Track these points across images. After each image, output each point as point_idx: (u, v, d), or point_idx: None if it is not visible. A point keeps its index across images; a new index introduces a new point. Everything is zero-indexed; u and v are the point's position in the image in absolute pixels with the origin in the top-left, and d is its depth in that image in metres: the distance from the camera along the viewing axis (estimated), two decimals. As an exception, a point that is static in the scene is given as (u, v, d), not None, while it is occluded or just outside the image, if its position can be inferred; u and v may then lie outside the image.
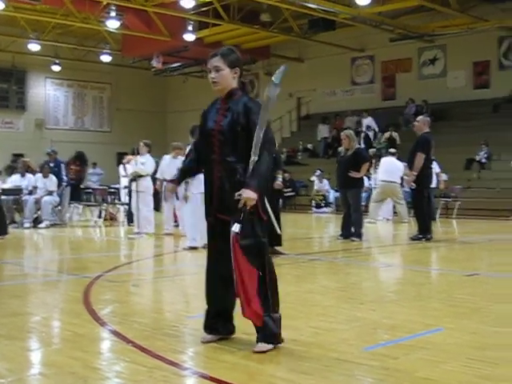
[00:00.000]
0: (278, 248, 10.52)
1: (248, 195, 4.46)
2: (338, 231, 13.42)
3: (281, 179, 10.93)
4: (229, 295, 4.78)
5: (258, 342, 4.65)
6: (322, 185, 25.39)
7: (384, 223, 19.04)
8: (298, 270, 9.29)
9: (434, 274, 9.14)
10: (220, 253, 4.74)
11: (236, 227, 4.48)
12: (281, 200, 22.55)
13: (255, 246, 4.62)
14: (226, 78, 4.78)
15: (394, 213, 19.54)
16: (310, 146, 30.80)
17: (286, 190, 25.05)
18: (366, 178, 21.11)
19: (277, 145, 24.30)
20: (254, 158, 4.49)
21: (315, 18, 26.97)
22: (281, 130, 33.52)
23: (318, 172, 25.60)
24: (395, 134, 26.38)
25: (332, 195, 24.68)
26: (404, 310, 6.28)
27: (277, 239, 10.49)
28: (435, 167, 18.00)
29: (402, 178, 17.28)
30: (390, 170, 17.96)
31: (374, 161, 19.67)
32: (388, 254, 12.11)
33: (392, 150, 19.34)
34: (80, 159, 19.87)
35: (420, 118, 13.47)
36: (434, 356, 4.50)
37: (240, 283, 4.54)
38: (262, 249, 4.69)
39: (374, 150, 24.01)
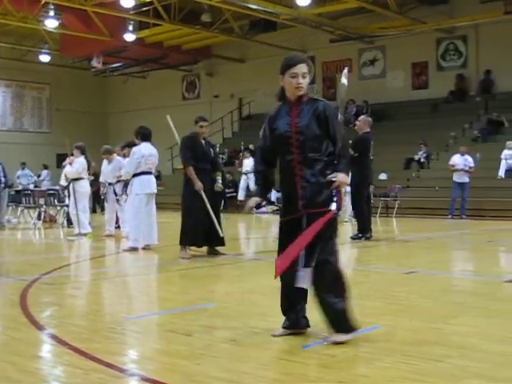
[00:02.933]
0: (218, 248, 10.53)
1: (342, 179, 4.88)
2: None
3: (221, 181, 10.93)
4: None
5: (332, 333, 4.85)
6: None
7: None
8: (239, 270, 9.32)
9: (373, 272, 9.23)
10: None
11: (333, 206, 4.86)
12: (222, 201, 22.64)
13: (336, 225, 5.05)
14: (307, 84, 5.05)
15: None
16: (251, 146, 30.81)
17: (227, 191, 25.07)
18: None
19: (218, 146, 24.18)
20: (338, 150, 4.93)
21: (256, 18, 27.10)
22: (222, 130, 33.52)
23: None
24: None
25: (274, 195, 24.74)
26: (343, 308, 6.34)
27: (219, 240, 10.50)
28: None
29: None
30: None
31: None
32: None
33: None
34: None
35: (361, 117, 13.63)
36: (370, 353, 4.56)
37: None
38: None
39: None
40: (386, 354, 4.53)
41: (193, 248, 10.56)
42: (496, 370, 4.12)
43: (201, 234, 10.35)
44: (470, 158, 21.04)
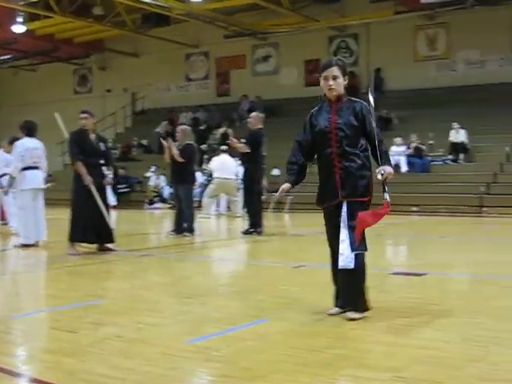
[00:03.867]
0: (108, 245, 10.39)
1: (390, 170, 5.32)
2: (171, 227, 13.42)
3: (112, 175, 10.79)
4: None
5: (347, 311, 5.44)
6: (158, 181, 25.29)
7: (218, 218, 19.22)
8: (129, 267, 9.21)
9: (263, 266, 9.31)
10: (336, 232, 5.47)
11: (386, 196, 5.33)
12: (115, 196, 22.38)
13: None
14: (341, 85, 5.53)
15: (228, 207, 19.80)
16: (144, 141, 30.59)
17: (120, 186, 24.80)
18: (200, 174, 21.30)
19: (111, 140, 23.83)
20: (377, 146, 5.37)
21: (148, 12, 26.88)
22: (115, 125, 33.13)
23: (154, 168, 25.49)
24: (229, 130, 26.67)
25: (167, 191, 24.65)
26: (232, 302, 6.38)
27: (110, 236, 10.36)
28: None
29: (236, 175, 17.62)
30: (223, 167, 18.17)
31: (206, 156, 19.81)
32: (220, 248, 12.24)
33: (224, 148, 19.54)
34: None
35: (254, 114, 13.71)
36: (256, 346, 4.60)
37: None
38: None
39: (206, 145, 24.26)
40: (271, 346, 4.58)
41: (83, 244, 10.38)
42: (378, 360, 4.22)
43: (91, 230, 10.18)
44: (360, 154, 21.44)
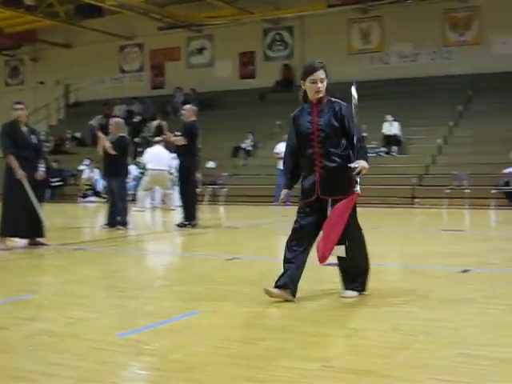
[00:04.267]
0: (40, 239, 10.24)
1: (364, 165, 5.55)
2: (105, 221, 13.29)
3: (43, 168, 10.62)
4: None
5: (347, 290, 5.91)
6: (92, 174, 25.04)
7: (152, 211, 19.13)
8: (61, 261, 9.11)
9: (197, 259, 9.30)
10: (313, 226, 5.81)
11: (358, 187, 5.63)
12: (47, 190, 22.05)
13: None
14: (325, 87, 5.81)
15: (162, 200, 19.71)
16: (78, 134, 30.18)
17: (53, 180, 24.45)
18: (134, 167, 21.14)
19: (44, 133, 23.41)
20: (355, 141, 5.64)
21: (82, 3, 26.52)
22: (47, 117, 32.64)
23: (87, 161, 25.22)
24: (163, 123, 26.52)
25: (101, 184, 24.41)
26: (164, 295, 6.36)
27: (41, 230, 10.21)
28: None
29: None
30: (157, 158, 18.07)
31: (140, 149, 19.68)
32: (155, 241, 12.18)
33: (158, 139, 19.42)
34: None
35: (187, 106, 13.64)
36: (187, 339, 4.59)
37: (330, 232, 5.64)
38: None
39: (140, 138, 24.12)
40: (203, 339, 4.58)
41: (14, 239, 10.21)
42: (307, 350, 4.26)
43: (22, 225, 10.02)
44: (294, 146, 21.57)
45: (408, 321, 5.03)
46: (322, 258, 5.72)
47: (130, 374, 4.01)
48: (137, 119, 28.84)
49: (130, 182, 20.29)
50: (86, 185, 25.03)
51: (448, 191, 18.43)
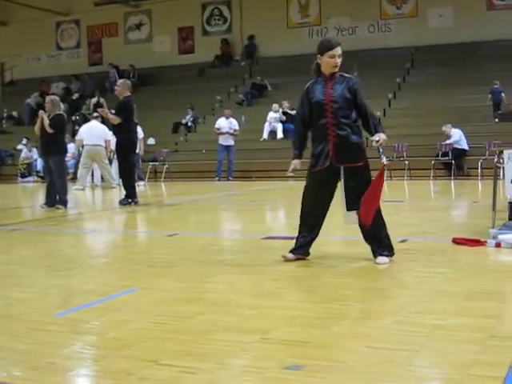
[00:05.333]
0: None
1: (384, 137, 5.99)
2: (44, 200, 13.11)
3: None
4: (320, 227, 6.36)
5: (379, 256, 6.11)
6: (30, 154, 24.66)
7: (92, 189, 18.94)
8: (-2, 241, 8.96)
9: (137, 236, 9.27)
10: (329, 193, 6.21)
11: (384, 159, 6.09)
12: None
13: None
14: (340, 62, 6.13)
15: (102, 178, 19.51)
16: (14, 113, 29.63)
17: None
18: (72, 145, 20.89)
19: None
20: (369, 115, 6.08)
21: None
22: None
23: (25, 140, 24.82)
24: (102, 100, 26.21)
25: (39, 163, 24.07)
26: (103, 273, 6.32)
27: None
28: (139, 132, 18.34)
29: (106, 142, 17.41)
30: (93, 133, 17.82)
31: (77, 128, 19.44)
32: (95, 219, 12.05)
33: (95, 114, 19.19)
34: None
35: (120, 81, 13.51)
36: (125, 316, 4.57)
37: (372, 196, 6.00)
38: None
39: (78, 115, 23.86)
40: (141, 315, 4.56)
41: None
42: (246, 323, 4.28)
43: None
44: (234, 121, 21.62)
45: (345, 291, 5.08)
46: (367, 222, 6.07)
47: (68, 352, 3.96)
48: (75, 97, 28.44)
49: (69, 161, 20.09)
50: (24, 164, 24.64)
51: (387, 162, 18.58)
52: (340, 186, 6.16)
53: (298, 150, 6.36)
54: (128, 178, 13.15)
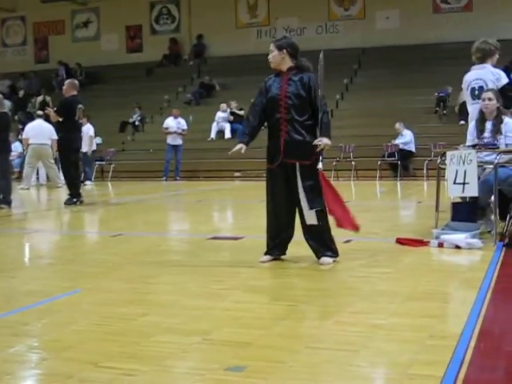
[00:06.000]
0: None
1: (327, 142, 6.00)
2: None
3: None
4: (292, 225, 6.29)
5: (322, 257, 6.11)
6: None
7: (38, 189, 18.70)
8: None
9: (82, 236, 9.17)
10: (286, 190, 6.17)
11: (320, 165, 6.03)
12: None
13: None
14: (276, 57, 6.28)
15: (47, 178, 19.25)
16: None
17: None
18: (18, 144, 20.60)
19: None
20: (320, 115, 6.02)
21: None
22: None
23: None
24: (48, 98, 25.90)
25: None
26: (45, 274, 6.23)
27: None
28: (88, 130, 18.19)
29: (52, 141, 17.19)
30: (37, 132, 17.54)
31: (21, 126, 19.17)
32: (40, 219, 11.88)
33: (39, 113, 18.93)
34: None
35: (67, 81, 13.41)
36: (66, 318, 4.52)
37: (332, 206, 6.05)
38: None
39: (22, 113, 23.58)
40: (82, 317, 4.51)
41: None
42: (188, 324, 4.26)
43: None
44: (183, 121, 21.55)
45: (288, 291, 5.11)
46: (356, 228, 6.19)
47: (7, 355, 3.90)
48: (20, 94, 28.05)
49: (15, 160, 19.79)
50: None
51: (335, 163, 18.74)
52: (299, 185, 6.09)
53: (244, 135, 6.29)
54: (70, 177, 13.01)
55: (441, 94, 21.57)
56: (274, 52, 6.29)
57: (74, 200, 12.84)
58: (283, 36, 6.71)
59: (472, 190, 7.13)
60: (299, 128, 6.05)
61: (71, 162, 12.82)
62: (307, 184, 6.06)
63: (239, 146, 6.22)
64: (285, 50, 6.25)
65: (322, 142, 5.98)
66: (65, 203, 12.91)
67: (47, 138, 17.40)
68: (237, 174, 20.42)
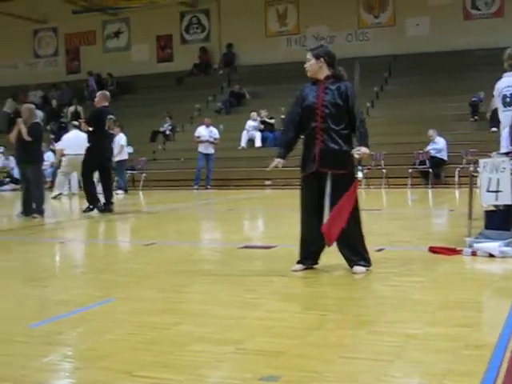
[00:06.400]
0: None
1: (365, 151, 5.97)
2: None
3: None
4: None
5: (355, 266, 6.07)
6: (7, 162, 24.51)
7: (70, 198, 18.84)
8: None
9: (114, 245, 9.21)
10: (319, 200, 6.07)
11: (360, 174, 5.94)
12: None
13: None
14: (313, 66, 6.25)
15: (80, 187, 19.39)
16: None
17: None
18: (50, 153, 20.80)
19: None
20: (357, 124, 6.00)
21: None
22: None
23: (2, 148, 24.66)
24: (80, 108, 26.11)
25: (17, 172, 23.87)
26: (78, 283, 6.28)
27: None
28: (120, 139, 18.36)
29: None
30: (75, 143, 17.70)
31: (53, 136, 19.32)
32: (71, 228, 11.99)
33: (75, 123, 19.08)
34: None
35: (99, 93, 13.61)
36: (100, 327, 4.54)
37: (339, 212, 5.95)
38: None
39: (56, 124, 23.77)
40: (116, 326, 4.53)
41: None
42: (221, 333, 4.26)
43: None
44: (214, 130, 21.61)
45: (321, 300, 5.09)
46: (330, 241, 6.07)
47: (41, 365, 3.93)
48: (54, 105, 28.31)
49: (47, 169, 19.97)
50: (4, 172, 24.50)
51: (366, 171, 18.67)
52: (326, 193, 6.05)
53: (281, 148, 6.33)
54: (87, 186, 13.21)
55: (473, 99, 21.39)
56: (311, 61, 6.27)
57: (90, 207, 13.00)
58: (320, 44, 6.70)
59: (506, 198, 7.06)
60: (336, 137, 6.03)
61: (90, 171, 13.06)
62: (336, 194, 5.98)
63: (276, 161, 6.26)
64: (322, 59, 6.24)
65: (361, 150, 5.97)
66: (83, 211, 13.10)
67: (83, 148, 17.56)
68: (267, 182, 20.42)
